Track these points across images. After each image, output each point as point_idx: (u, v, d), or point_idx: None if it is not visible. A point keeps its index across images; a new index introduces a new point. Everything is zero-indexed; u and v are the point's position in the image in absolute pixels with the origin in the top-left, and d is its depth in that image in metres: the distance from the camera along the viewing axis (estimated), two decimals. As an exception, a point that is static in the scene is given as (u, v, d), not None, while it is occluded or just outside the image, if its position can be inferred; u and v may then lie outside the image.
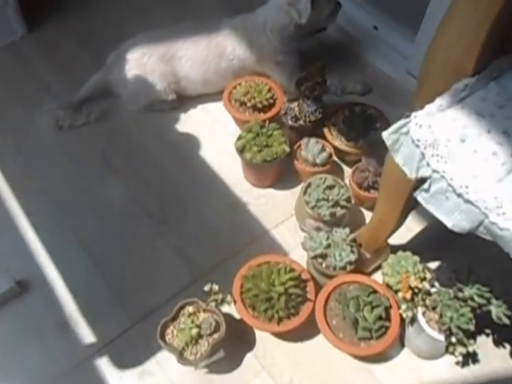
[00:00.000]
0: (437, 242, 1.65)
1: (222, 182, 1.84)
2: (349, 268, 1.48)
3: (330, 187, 1.60)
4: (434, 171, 1.02)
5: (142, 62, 1.90)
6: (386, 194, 1.34)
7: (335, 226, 1.56)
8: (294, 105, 1.79)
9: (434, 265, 1.60)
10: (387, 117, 1.83)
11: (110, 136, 1.96)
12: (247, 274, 1.44)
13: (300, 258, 1.58)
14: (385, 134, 1.12)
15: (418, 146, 1.03)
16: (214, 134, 1.97)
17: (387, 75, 2.16)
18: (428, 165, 1.02)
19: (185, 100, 2.04)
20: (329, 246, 1.49)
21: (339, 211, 1.59)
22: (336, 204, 1.58)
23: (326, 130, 1.81)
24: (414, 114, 1.05)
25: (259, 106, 1.82)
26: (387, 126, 1.83)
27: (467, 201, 0.97)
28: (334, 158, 1.80)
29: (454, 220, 1.01)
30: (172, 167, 1.88)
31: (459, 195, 0.98)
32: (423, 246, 1.59)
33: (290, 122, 1.79)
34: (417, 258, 1.44)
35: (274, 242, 1.70)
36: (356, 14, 2.27)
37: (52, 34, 2.30)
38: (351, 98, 1.92)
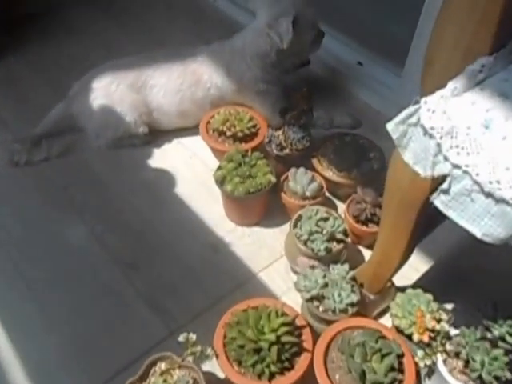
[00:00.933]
0: (447, 280, 1.47)
1: (201, 222, 1.64)
2: (351, 311, 1.27)
3: (324, 219, 1.41)
4: (455, 166, 0.84)
5: (110, 91, 1.74)
6: (391, 214, 1.15)
7: (332, 263, 1.36)
8: (279, 132, 1.64)
9: (448, 306, 1.39)
10: (380, 147, 1.69)
11: (73, 173, 1.77)
12: (231, 320, 1.22)
13: (293, 303, 1.36)
14: (390, 126, 0.95)
15: (432, 137, 0.85)
16: (192, 170, 1.79)
17: (375, 109, 2.04)
18: (446, 159, 0.84)
19: (159, 134, 1.87)
20: (326, 285, 1.29)
21: (335, 246, 1.39)
22: (331, 237, 1.39)
23: (314, 161, 1.65)
24: (423, 100, 0.88)
25: (240, 135, 1.66)
26: (381, 156, 1.71)
27: (500, 200, 0.79)
28: (325, 191, 1.62)
29: (485, 227, 0.82)
30: (144, 207, 1.68)
31: (488, 194, 0.80)
32: (433, 286, 1.39)
33: (275, 151, 1.63)
34: (430, 296, 1.24)
35: (262, 287, 1.48)
36: (339, 51, 2.21)
37: (11, 67, 2.16)
38: (340, 131, 1.79)
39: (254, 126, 1.71)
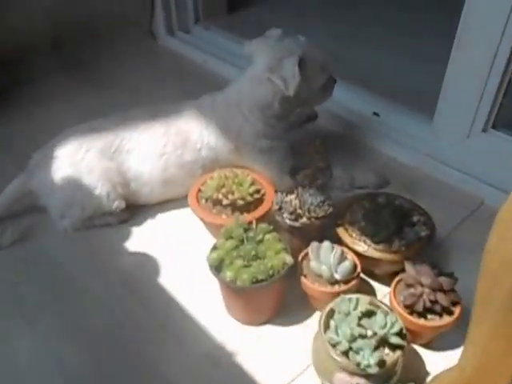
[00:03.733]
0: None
1: (194, 324, 1.14)
2: None
3: (368, 314, 0.92)
4: None
5: (77, 159, 1.31)
6: (495, 310, 0.66)
7: (384, 382, 0.85)
8: (292, 197, 1.18)
9: None
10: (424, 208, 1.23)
11: (29, 265, 1.29)
12: None
13: None
14: None
15: None
16: (181, 254, 1.30)
17: (404, 164, 1.60)
18: None
19: (138, 210, 1.41)
20: (386, 424, 0.77)
21: (389, 354, 0.89)
22: (383, 342, 0.89)
23: (341, 231, 1.18)
24: None
25: (240, 203, 1.20)
26: (428, 219, 1.21)
27: None
28: (360, 271, 1.13)
29: None
30: (119, 305, 1.19)
31: None
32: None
33: (288, 221, 1.15)
34: None
35: (282, 418, 0.97)
36: (350, 101, 1.81)
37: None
38: (368, 191, 1.36)
39: (258, 191, 1.25)
